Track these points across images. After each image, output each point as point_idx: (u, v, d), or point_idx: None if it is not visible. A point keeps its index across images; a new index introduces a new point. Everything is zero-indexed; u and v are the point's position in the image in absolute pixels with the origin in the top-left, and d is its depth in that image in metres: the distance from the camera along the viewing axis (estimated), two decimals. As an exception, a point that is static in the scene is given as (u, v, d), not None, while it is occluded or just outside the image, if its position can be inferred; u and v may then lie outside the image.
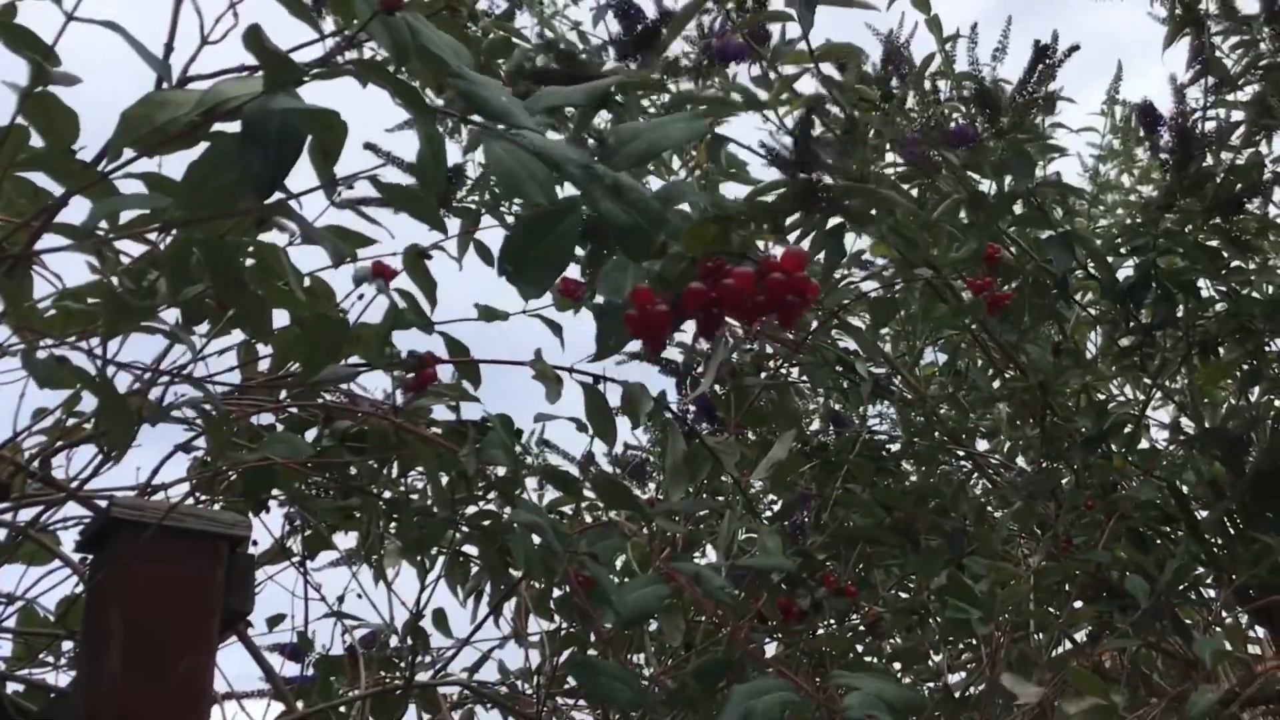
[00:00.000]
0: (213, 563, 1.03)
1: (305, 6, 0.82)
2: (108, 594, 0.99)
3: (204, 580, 1.01)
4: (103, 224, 0.97)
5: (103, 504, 1.12)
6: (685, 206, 0.84)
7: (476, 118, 0.81)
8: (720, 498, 1.61)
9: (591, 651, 1.76)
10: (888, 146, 2.01)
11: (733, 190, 2.04)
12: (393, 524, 1.47)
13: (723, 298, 0.66)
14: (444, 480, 1.24)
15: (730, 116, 1.77)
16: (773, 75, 1.81)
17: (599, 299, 0.70)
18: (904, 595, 1.87)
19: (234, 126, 0.84)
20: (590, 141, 1.51)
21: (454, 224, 1.81)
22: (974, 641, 1.69)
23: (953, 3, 2.16)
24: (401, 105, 0.84)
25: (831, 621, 1.55)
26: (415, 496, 1.37)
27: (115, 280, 0.83)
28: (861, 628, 1.67)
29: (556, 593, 1.74)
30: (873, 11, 1.86)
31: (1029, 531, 1.98)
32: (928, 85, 2.02)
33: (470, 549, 1.67)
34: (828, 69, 1.86)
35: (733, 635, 1.09)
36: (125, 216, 1.03)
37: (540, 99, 0.79)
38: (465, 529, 1.40)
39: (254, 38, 0.77)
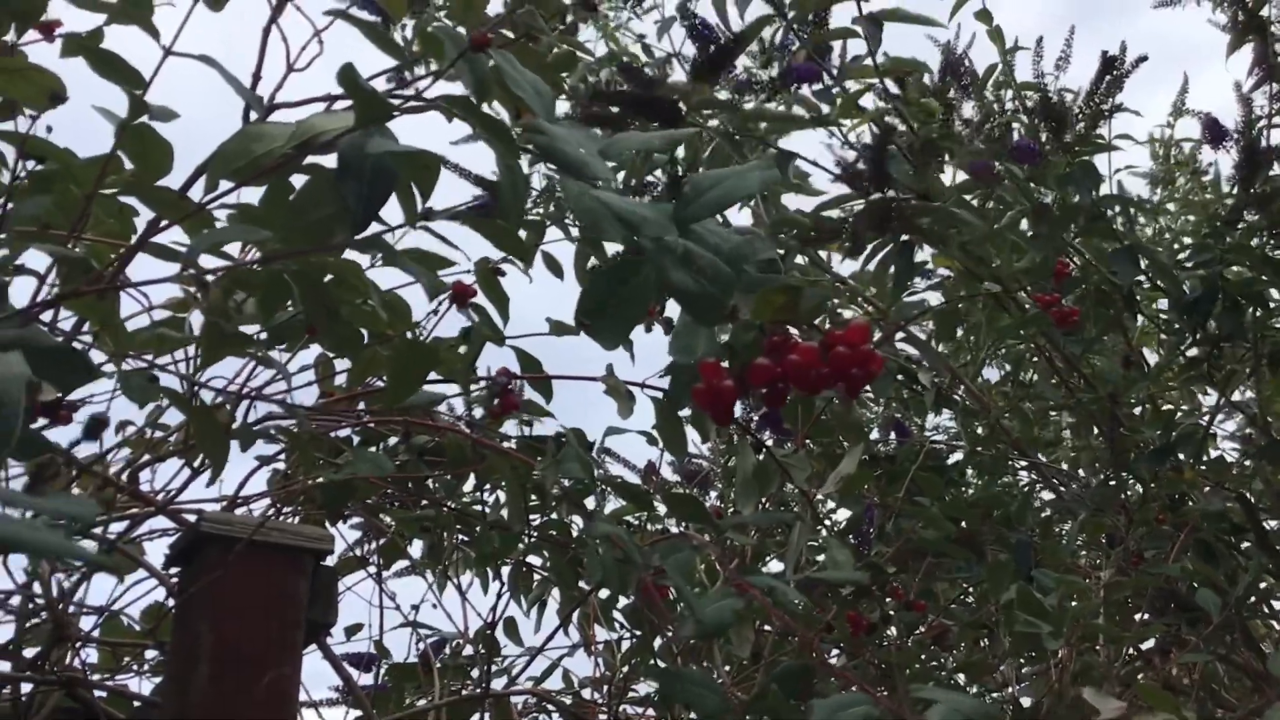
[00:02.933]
0: (297, 576, 1.06)
1: (394, 43, 0.84)
2: (197, 607, 1.02)
3: (289, 594, 1.05)
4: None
5: (190, 518, 1.16)
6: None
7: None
8: (784, 509, 1.63)
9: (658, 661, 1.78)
10: (946, 158, 2.01)
11: (794, 202, 2.06)
12: (464, 536, 1.50)
13: (788, 374, 0.68)
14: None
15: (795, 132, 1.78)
16: (834, 90, 1.83)
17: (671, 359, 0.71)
18: (965, 608, 1.87)
19: (325, 159, 0.88)
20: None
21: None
22: (1040, 655, 1.69)
23: (1007, 10, 2.16)
24: (485, 139, 0.87)
25: (898, 634, 1.55)
26: (488, 509, 1.39)
27: (212, 308, 0.86)
28: (928, 640, 1.67)
29: (621, 602, 1.77)
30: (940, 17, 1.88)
31: (1096, 544, 1.97)
32: (990, 96, 2.02)
33: (534, 559, 1.70)
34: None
35: (804, 645, 1.10)
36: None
37: (618, 144, 0.81)
38: (536, 540, 1.43)
39: (348, 76, 0.80)
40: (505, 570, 1.63)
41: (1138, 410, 2.15)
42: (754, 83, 1.59)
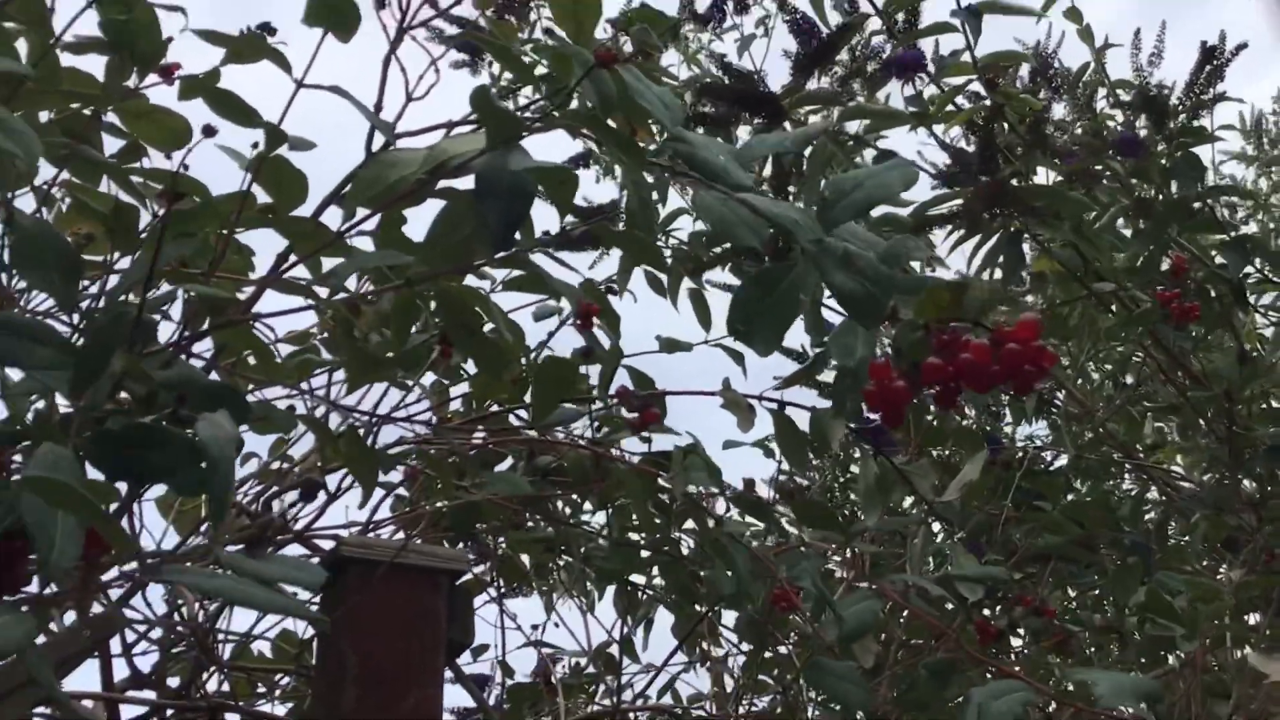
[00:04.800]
0: (435, 597, 1.07)
1: (522, 63, 0.85)
2: (340, 631, 1.04)
3: (429, 614, 1.06)
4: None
5: (323, 544, 1.18)
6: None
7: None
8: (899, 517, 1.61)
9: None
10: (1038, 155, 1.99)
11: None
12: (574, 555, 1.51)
13: (960, 372, 0.67)
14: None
15: (895, 129, 1.77)
16: (927, 88, 1.82)
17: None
18: (1083, 613, 1.84)
19: (458, 182, 0.89)
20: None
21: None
22: (1168, 657, 1.66)
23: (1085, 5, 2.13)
24: (613, 154, 0.87)
25: (1025, 640, 1.53)
26: (610, 528, 1.40)
27: (359, 332, 0.87)
28: (1052, 647, 1.65)
29: (729, 617, 1.77)
30: (1024, 21, 1.87)
31: (1219, 544, 1.93)
32: (1083, 94, 2.00)
33: (637, 578, 1.70)
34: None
35: (943, 639, 1.09)
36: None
37: (753, 147, 0.81)
38: (651, 556, 1.43)
39: (481, 97, 0.81)
40: (610, 590, 1.64)
41: (1252, 407, 2.10)
42: (856, 76, 1.59)
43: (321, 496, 1.14)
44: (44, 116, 1.12)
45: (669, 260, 1.60)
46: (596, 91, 0.86)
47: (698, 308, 1.43)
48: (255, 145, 0.90)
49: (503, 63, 0.87)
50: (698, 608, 1.56)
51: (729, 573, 1.15)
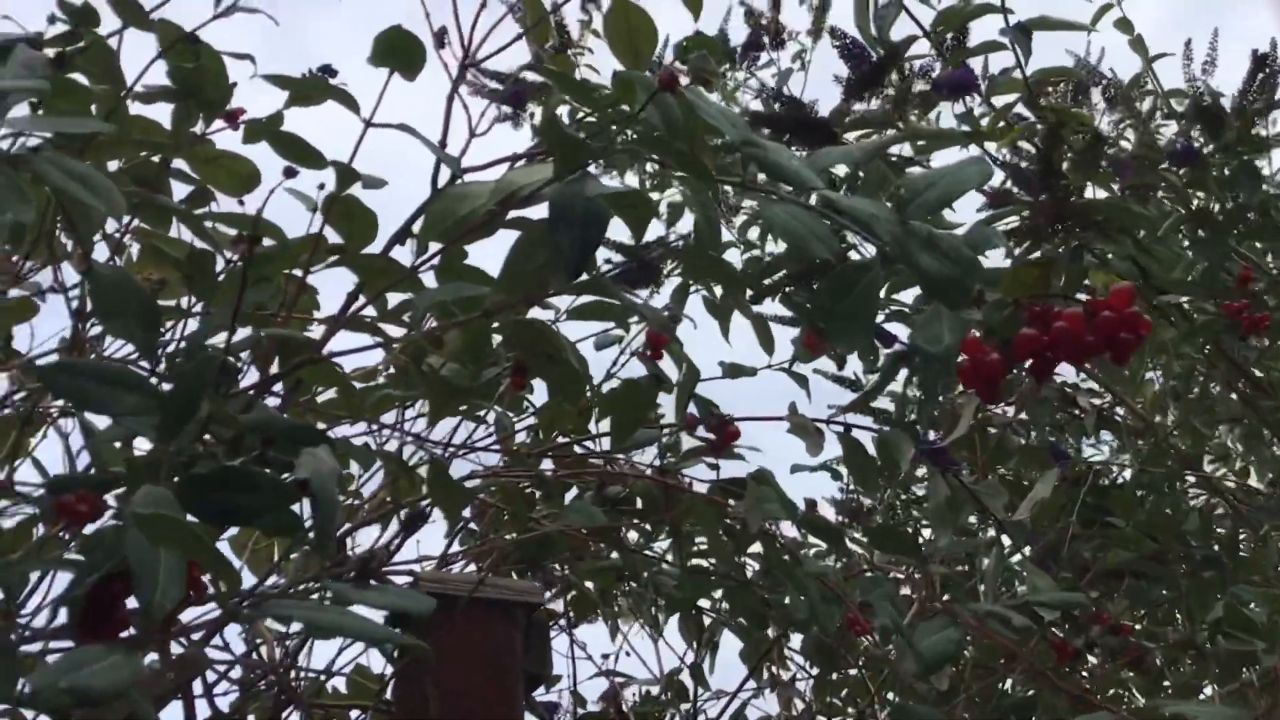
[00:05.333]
0: (513, 630, 1.07)
1: (589, 92, 0.86)
2: (421, 665, 1.04)
3: (508, 647, 1.06)
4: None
5: (396, 580, 1.18)
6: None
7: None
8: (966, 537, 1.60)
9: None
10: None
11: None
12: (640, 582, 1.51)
13: (1056, 342, 0.67)
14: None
15: (947, 149, 1.77)
16: (977, 106, 1.81)
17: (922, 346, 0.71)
18: (1155, 628, 1.81)
19: (528, 212, 0.90)
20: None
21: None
22: (1246, 672, 1.63)
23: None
24: (681, 174, 0.88)
25: (1101, 659, 1.51)
26: (672, 554, 1.40)
27: (436, 364, 0.88)
28: (1126, 664, 1.63)
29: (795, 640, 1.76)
30: (1076, 34, 1.86)
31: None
32: (1138, 105, 1.99)
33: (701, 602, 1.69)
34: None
35: (1029, 669, 1.08)
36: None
37: (821, 158, 0.81)
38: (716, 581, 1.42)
39: (550, 124, 0.82)
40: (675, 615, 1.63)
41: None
42: (907, 99, 1.59)
43: (393, 530, 1.14)
44: (112, 164, 1.14)
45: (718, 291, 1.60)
46: (661, 114, 0.87)
47: (760, 333, 1.43)
48: (321, 186, 0.91)
49: (569, 92, 0.87)
50: (767, 632, 1.55)
51: (802, 598, 1.15)
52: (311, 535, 0.61)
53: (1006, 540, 1.42)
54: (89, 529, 0.79)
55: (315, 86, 1.11)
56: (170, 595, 0.60)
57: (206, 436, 0.80)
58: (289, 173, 0.88)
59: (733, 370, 1.38)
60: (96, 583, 0.67)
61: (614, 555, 1.40)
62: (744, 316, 1.49)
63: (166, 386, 0.80)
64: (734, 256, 1.90)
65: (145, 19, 0.99)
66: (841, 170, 1.72)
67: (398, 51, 0.90)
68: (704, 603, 1.65)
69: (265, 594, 0.68)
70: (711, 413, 1.07)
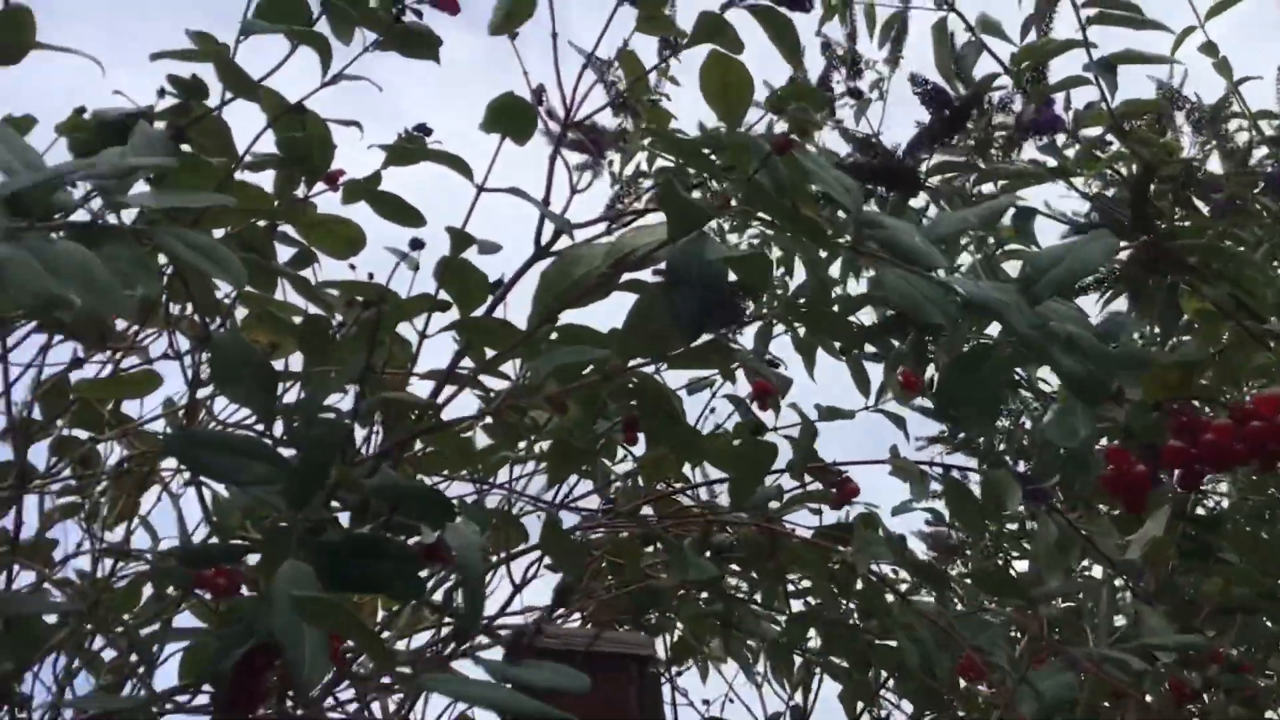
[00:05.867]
0: (627, 684, 1.07)
1: (702, 154, 0.86)
2: None
3: (623, 701, 1.06)
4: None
5: (502, 633, 1.19)
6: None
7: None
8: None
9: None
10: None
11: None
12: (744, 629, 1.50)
13: (1203, 454, 0.66)
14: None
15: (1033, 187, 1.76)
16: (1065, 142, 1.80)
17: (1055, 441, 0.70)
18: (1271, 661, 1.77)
19: (641, 273, 0.90)
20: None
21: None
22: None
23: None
24: (793, 235, 0.88)
25: (1219, 698, 1.48)
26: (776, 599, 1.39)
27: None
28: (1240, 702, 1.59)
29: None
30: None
31: None
32: (1224, 127, 1.96)
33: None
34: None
35: (1128, 700, 1.06)
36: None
37: (939, 227, 0.81)
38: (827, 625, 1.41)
39: (668, 188, 0.82)
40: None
41: None
42: (991, 139, 1.58)
43: (505, 587, 1.15)
44: (216, 231, 1.17)
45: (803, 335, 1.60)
46: (772, 178, 0.87)
47: (856, 376, 1.43)
48: (414, 243, 0.92)
49: (678, 154, 0.88)
50: (868, 675, 1.54)
51: (912, 643, 1.14)
52: (458, 609, 0.61)
53: (1117, 580, 1.39)
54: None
55: (411, 147, 1.13)
56: (319, 670, 0.61)
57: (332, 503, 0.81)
58: (415, 244, 0.89)
59: (829, 413, 1.38)
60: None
61: (714, 601, 1.39)
62: (834, 357, 1.48)
63: (286, 451, 0.81)
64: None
65: (254, 89, 1.01)
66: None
67: (510, 117, 0.91)
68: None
69: (420, 665, 0.69)
70: (829, 468, 1.06)
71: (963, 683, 1.19)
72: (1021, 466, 1.88)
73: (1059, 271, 0.73)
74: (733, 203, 0.86)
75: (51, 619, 0.84)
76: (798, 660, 1.68)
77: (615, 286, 0.88)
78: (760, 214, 0.87)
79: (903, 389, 1.39)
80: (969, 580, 1.43)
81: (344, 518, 0.81)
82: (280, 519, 0.76)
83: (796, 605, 1.49)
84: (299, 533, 0.75)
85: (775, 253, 1.47)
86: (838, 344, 1.16)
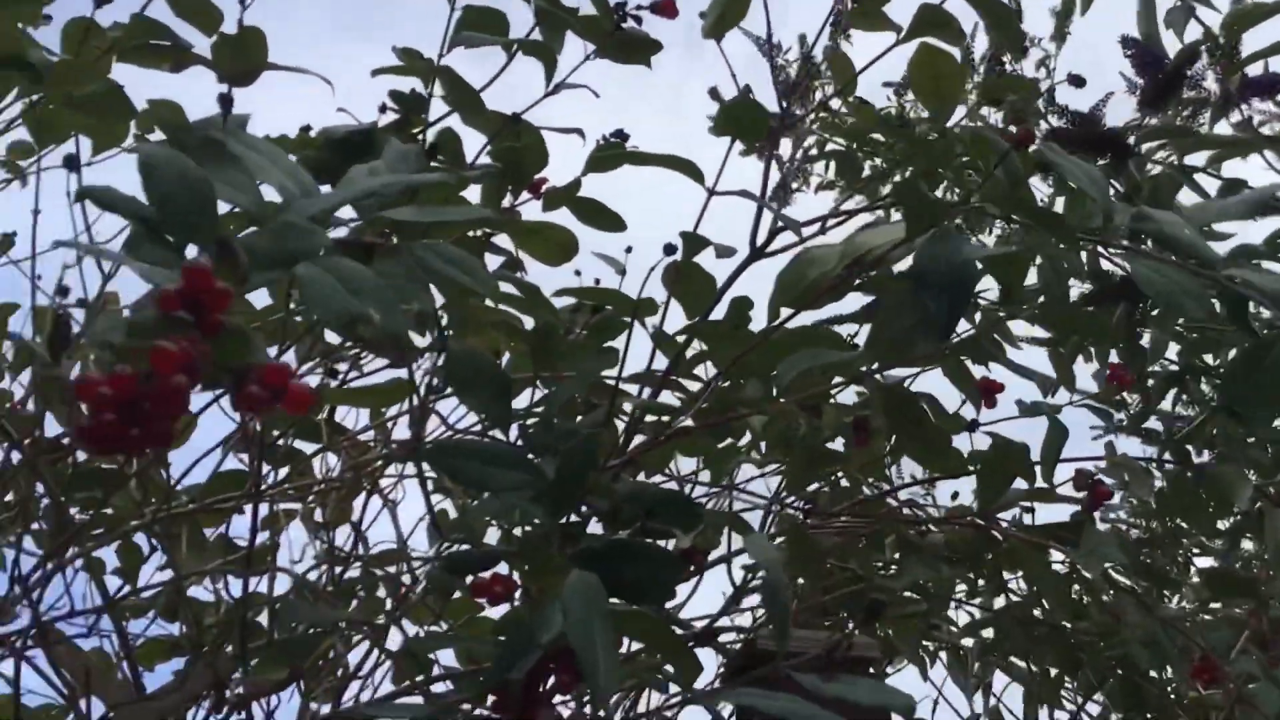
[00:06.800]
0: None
1: (933, 150, 0.85)
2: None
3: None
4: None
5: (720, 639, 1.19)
6: None
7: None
8: None
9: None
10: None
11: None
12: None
13: None
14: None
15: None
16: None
17: None
18: None
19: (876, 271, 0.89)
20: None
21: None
22: None
23: None
24: (1036, 231, 0.86)
25: None
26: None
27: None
28: None
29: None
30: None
31: None
32: None
33: (966, 641, 1.65)
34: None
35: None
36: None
37: (1204, 214, 0.78)
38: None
39: (908, 186, 0.81)
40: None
41: None
42: (1204, 105, 1.52)
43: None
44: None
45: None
46: (1008, 173, 0.85)
47: (1059, 368, 1.39)
48: (670, 248, 0.92)
49: (920, 153, 0.87)
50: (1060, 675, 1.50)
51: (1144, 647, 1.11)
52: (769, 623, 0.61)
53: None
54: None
55: (644, 154, 1.14)
56: (613, 679, 0.61)
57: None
58: (669, 249, 0.89)
59: (1032, 409, 1.34)
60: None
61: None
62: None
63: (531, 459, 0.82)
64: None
65: (478, 101, 1.03)
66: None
67: (742, 122, 0.91)
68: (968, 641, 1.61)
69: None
70: (1086, 471, 1.04)
71: (1198, 687, 1.15)
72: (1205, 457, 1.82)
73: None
74: (973, 200, 0.84)
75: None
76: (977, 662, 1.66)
77: (848, 288, 0.88)
78: (997, 210, 0.85)
79: (1110, 384, 1.35)
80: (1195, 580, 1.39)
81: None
82: (539, 526, 0.77)
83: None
84: (558, 540, 0.76)
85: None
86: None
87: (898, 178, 1.33)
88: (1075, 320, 0.87)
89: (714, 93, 1.41)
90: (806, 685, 0.62)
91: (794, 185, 1.83)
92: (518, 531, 0.83)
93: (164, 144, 0.65)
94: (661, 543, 0.84)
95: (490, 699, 0.66)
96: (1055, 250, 0.87)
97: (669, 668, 0.66)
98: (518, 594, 0.73)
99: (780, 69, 1.62)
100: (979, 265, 0.77)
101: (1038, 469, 1.00)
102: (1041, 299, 0.87)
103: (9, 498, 1.13)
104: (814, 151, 1.91)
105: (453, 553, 0.85)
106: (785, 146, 1.89)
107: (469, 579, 0.77)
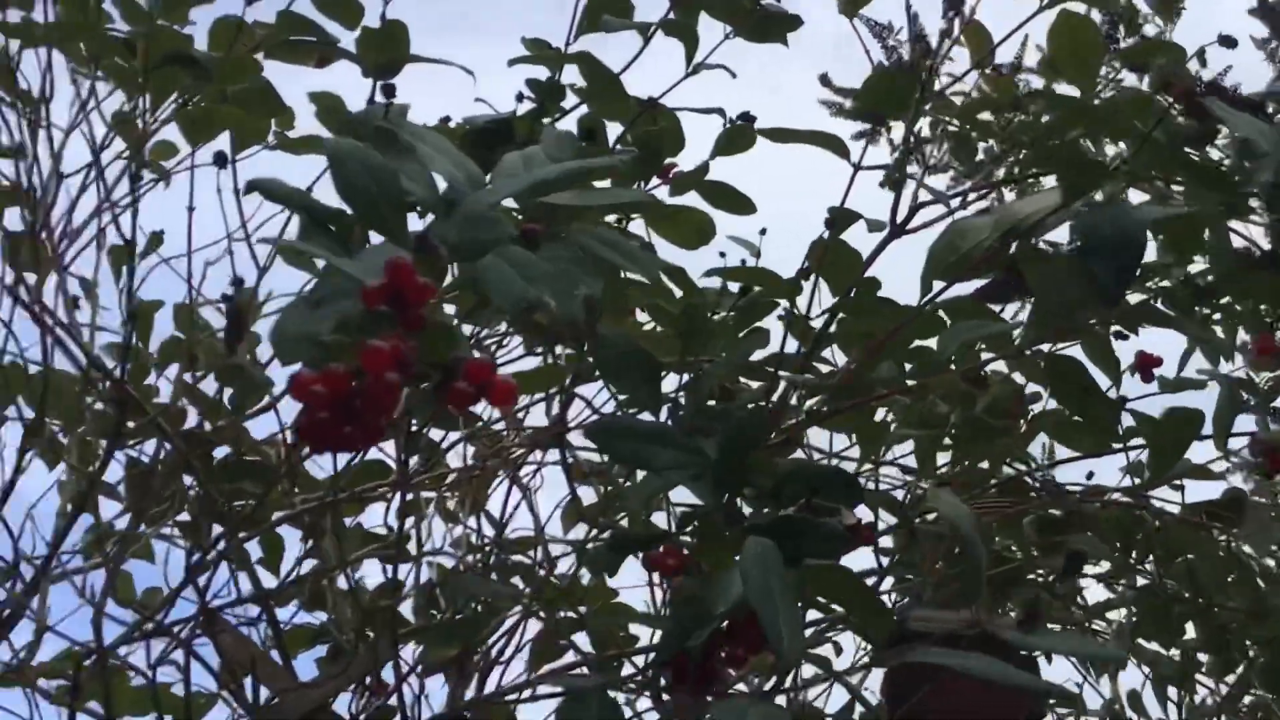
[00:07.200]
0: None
1: (1091, 107, 0.84)
2: (916, 701, 1.03)
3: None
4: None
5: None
6: None
7: None
8: None
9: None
10: None
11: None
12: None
13: None
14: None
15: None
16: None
17: None
18: None
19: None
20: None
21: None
22: None
23: None
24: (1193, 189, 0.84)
25: None
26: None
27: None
28: None
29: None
30: None
31: None
32: None
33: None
34: None
35: None
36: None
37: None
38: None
39: (1069, 149, 0.80)
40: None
41: None
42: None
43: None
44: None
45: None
46: (1166, 132, 0.84)
47: (1205, 345, 1.36)
48: (829, 222, 0.91)
49: (1078, 115, 0.85)
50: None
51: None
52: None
53: None
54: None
55: (739, 135, 1.13)
56: (797, 641, 0.61)
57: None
58: (829, 224, 0.89)
59: (1175, 384, 1.31)
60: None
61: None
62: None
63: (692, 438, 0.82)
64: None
65: (618, 86, 1.03)
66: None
67: (887, 95, 0.90)
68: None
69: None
70: (1261, 439, 1.01)
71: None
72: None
73: None
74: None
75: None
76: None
77: (1001, 260, 0.86)
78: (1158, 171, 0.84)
79: (1258, 357, 1.31)
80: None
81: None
82: (703, 505, 0.77)
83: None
84: (724, 517, 0.76)
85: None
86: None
87: (1012, 159, 1.31)
88: (1250, 285, 0.84)
89: (824, 79, 1.39)
90: (1015, 638, 0.61)
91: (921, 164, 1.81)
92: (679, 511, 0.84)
93: (340, 136, 0.66)
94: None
95: (666, 671, 0.66)
96: (1219, 212, 0.85)
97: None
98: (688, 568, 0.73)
99: (892, 50, 1.61)
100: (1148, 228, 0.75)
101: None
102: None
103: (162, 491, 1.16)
104: (926, 134, 1.89)
105: (618, 530, 0.86)
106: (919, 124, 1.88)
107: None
